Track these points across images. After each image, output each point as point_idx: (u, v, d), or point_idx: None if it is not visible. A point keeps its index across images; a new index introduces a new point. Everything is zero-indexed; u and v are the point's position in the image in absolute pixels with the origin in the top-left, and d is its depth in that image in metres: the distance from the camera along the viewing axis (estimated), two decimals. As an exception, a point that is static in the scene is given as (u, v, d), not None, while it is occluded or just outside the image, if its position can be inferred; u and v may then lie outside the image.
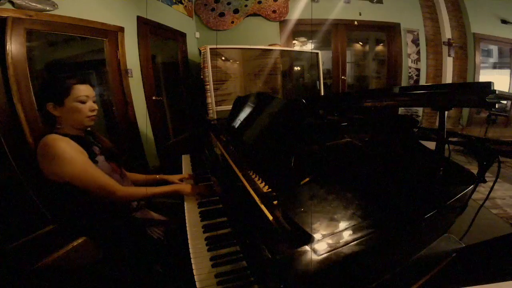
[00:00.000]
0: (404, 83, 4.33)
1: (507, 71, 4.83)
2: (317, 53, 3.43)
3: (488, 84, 0.65)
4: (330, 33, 4.24)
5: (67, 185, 0.99)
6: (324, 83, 3.61)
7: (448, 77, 4.28)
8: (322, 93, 3.55)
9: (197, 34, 3.83)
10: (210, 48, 2.69)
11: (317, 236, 0.58)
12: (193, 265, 0.83)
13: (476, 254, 0.72)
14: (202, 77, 2.76)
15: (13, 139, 1.60)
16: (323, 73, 3.53)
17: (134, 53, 2.60)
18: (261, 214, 0.73)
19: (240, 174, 0.98)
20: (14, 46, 1.59)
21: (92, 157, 1.08)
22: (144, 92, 2.72)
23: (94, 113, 1.12)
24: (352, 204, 0.70)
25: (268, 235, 0.67)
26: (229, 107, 1.79)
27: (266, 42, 3.73)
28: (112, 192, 1.05)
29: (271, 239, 0.65)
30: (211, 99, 2.76)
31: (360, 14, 4.10)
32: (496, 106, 0.66)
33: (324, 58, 3.99)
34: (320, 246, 0.55)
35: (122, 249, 1.11)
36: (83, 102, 1.09)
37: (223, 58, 2.87)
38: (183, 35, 3.53)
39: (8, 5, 1.59)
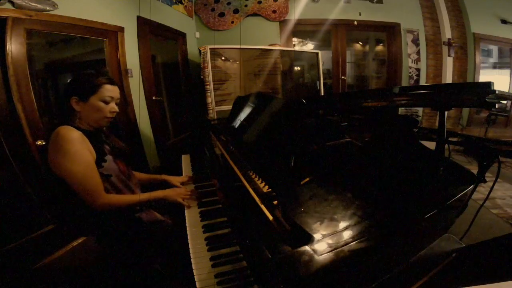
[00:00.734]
0: (404, 83, 4.33)
1: (507, 71, 4.83)
2: (317, 53, 3.43)
3: (488, 84, 0.65)
4: (330, 33, 4.24)
5: (62, 181, 0.98)
6: (324, 83, 3.61)
7: (448, 77, 4.28)
8: (322, 93, 3.55)
9: (197, 34, 3.83)
10: (210, 48, 2.69)
11: (317, 236, 0.58)
12: (193, 265, 0.83)
13: (476, 254, 0.72)
14: (202, 77, 2.76)
15: (13, 139, 1.60)
16: (323, 73, 3.53)
17: (134, 53, 2.60)
18: (261, 214, 0.73)
19: (240, 174, 0.98)
20: (14, 46, 1.59)
21: (101, 156, 1.08)
22: (144, 92, 2.72)
23: (113, 115, 1.13)
24: (352, 204, 0.70)
25: (268, 235, 0.67)
26: (229, 107, 1.79)
27: (266, 42, 3.73)
28: (94, 198, 1.01)
29: (271, 239, 0.65)
30: (211, 99, 2.76)
31: (360, 14, 4.10)
32: (496, 106, 0.66)
33: (324, 58, 3.99)
34: (320, 246, 0.55)
35: (124, 249, 1.11)
36: (107, 103, 1.09)
37: (223, 58, 2.87)
38: (183, 35, 3.53)
39: (8, 5, 1.59)
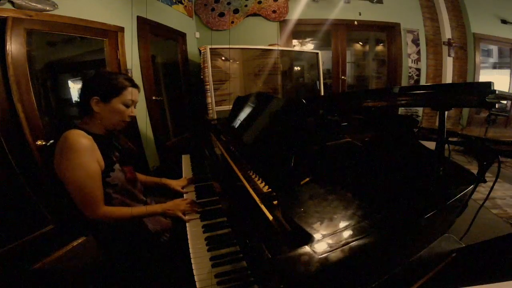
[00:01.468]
0: (404, 83, 4.33)
1: (507, 71, 4.83)
2: (317, 53, 3.43)
3: (488, 84, 0.65)
4: (330, 33, 4.24)
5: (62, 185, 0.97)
6: (324, 83, 3.61)
7: (448, 77, 4.28)
8: (322, 93, 3.55)
9: (197, 34, 3.83)
10: (210, 48, 2.69)
11: (317, 236, 0.58)
12: (193, 265, 0.83)
13: (476, 254, 0.72)
14: (202, 77, 2.76)
15: (13, 139, 1.60)
16: (323, 73, 3.53)
17: (134, 53, 2.60)
18: (261, 214, 0.73)
19: (240, 174, 0.98)
20: (14, 46, 1.59)
21: (110, 165, 1.04)
22: (144, 92, 2.72)
23: (130, 119, 1.11)
24: (352, 204, 0.70)
25: (268, 235, 0.67)
26: (229, 107, 1.79)
27: (266, 42, 3.73)
28: (91, 210, 0.97)
29: (271, 239, 0.65)
30: (211, 99, 2.76)
31: (360, 14, 4.10)
32: (496, 106, 0.66)
33: (324, 58, 3.99)
34: (320, 246, 0.55)
35: (125, 250, 1.11)
36: (128, 106, 1.06)
37: (223, 58, 2.87)
38: (183, 35, 3.53)
39: (8, 5, 1.59)
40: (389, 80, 4.48)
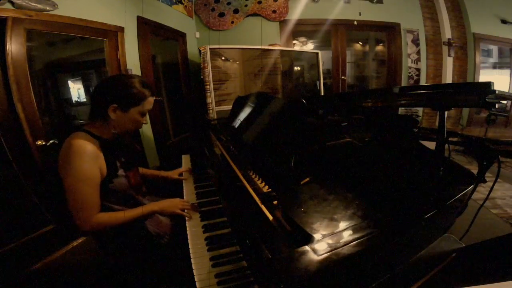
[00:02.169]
0: (404, 83, 4.32)
1: (507, 71, 4.83)
2: (317, 53, 3.43)
3: (488, 84, 0.65)
4: (330, 33, 4.24)
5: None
6: (324, 83, 3.61)
7: (448, 77, 4.28)
8: (322, 93, 3.55)
9: (197, 34, 3.82)
10: (210, 48, 2.69)
11: (317, 236, 0.58)
12: (193, 265, 0.83)
13: (476, 254, 0.72)
14: (202, 77, 2.76)
15: (13, 139, 1.60)
16: (323, 73, 3.53)
17: (134, 53, 2.60)
18: (261, 214, 0.73)
19: (240, 174, 0.98)
20: (14, 46, 1.59)
21: (113, 172, 1.02)
22: (144, 92, 2.72)
23: (141, 127, 1.10)
24: (352, 204, 0.70)
25: (268, 235, 0.67)
26: (229, 107, 1.79)
27: (266, 42, 3.73)
28: (83, 219, 0.93)
29: (271, 239, 0.65)
30: (211, 99, 2.75)
31: (360, 14, 4.10)
32: (496, 106, 0.66)
33: (324, 58, 3.99)
34: (320, 246, 0.55)
35: (125, 250, 1.11)
36: (143, 115, 1.06)
37: (223, 58, 2.87)
38: (183, 35, 3.53)
39: (8, 5, 1.59)
40: (389, 80, 4.48)
